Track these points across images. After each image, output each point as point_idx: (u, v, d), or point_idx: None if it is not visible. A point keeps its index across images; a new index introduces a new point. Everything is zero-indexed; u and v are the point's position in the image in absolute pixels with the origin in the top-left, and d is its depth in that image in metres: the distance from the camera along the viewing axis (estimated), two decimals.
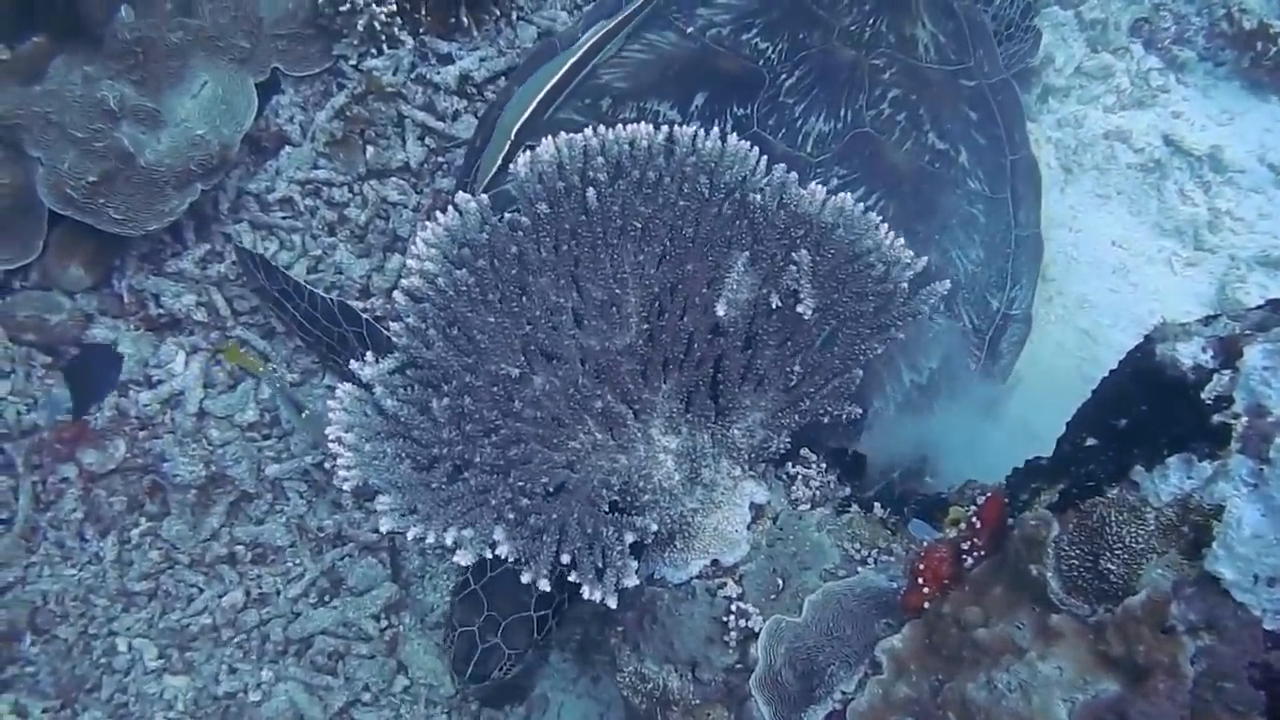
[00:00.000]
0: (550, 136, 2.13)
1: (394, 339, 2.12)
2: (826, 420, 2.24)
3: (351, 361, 2.09)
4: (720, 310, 2.16)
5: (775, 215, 2.15)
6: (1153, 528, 1.48)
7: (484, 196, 2.15)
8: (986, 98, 2.95)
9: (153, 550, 3.28)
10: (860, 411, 2.26)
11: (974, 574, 1.67)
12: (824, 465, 2.34)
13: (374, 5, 3.28)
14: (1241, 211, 3.57)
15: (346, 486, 2.01)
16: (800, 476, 2.31)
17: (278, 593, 3.30)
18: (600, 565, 1.98)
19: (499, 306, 2.11)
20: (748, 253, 2.17)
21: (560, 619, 2.52)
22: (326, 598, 3.28)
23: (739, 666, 2.04)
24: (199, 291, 3.37)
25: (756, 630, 2.01)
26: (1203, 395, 1.54)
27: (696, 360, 2.15)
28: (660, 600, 2.16)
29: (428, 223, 2.14)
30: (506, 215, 2.15)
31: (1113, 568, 1.46)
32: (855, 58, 2.80)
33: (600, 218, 2.14)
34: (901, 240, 2.17)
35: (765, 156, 2.17)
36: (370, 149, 3.42)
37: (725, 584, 2.13)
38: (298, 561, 3.31)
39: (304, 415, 3.02)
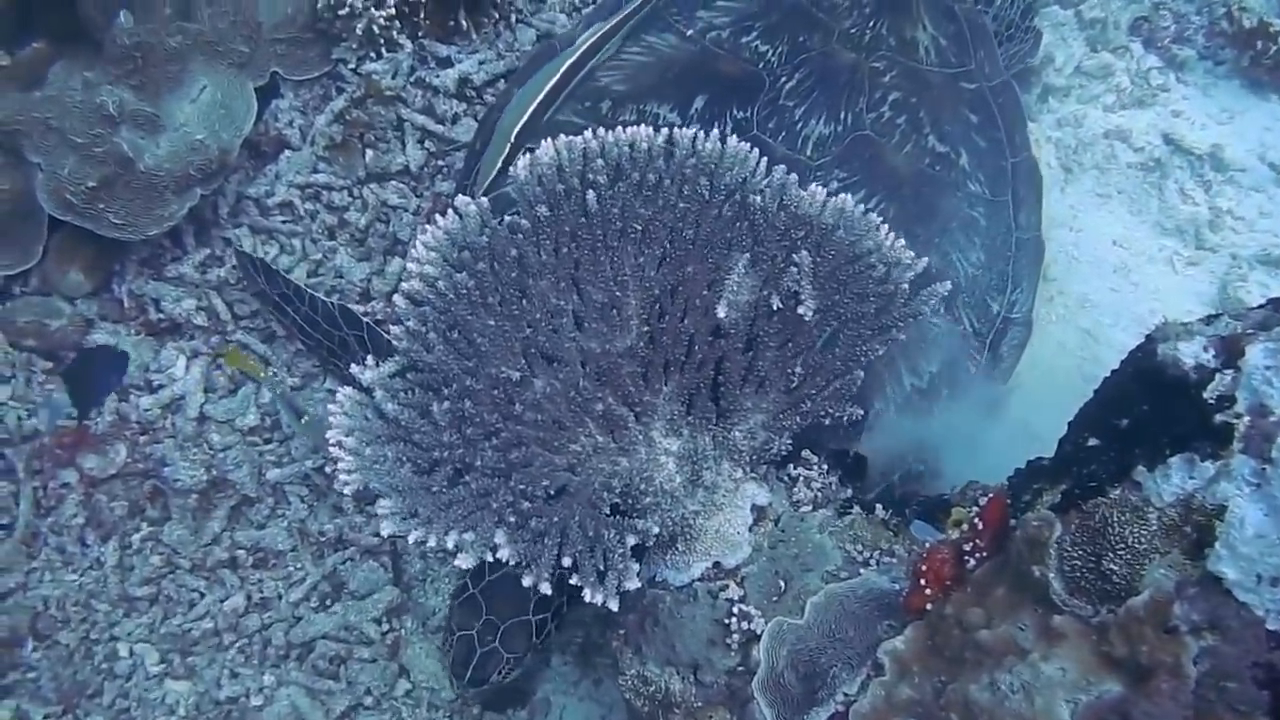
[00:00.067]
0: (550, 139, 2.13)
1: (394, 342, 2.11)
2: (828, 422, 2.24)
3: (352, 365, 2.09)
4: (721, 312, 2.15)
5: (776, 217, 2.15)
6: (1155, 528, 1.48)
7: (484, 199, 2.15)
8: (987, 100, 2.95)
9: (154, 555, 3.28)
10: (861, 413, 2.26)
11: (976, 575, 1.67)
12: (825, 467, 2.34)
13: (373, 9, 3.28)
14: (1242, 210, 3.57)
15: (347, 490, 2.00)
16: (802, 478, 2.30)
17: (279, 597, 3.29)
18: (602, 568, 1.97)
19: (499, 309, 2.11)
20: (748, 254, 2.17)
21: (559, 623, 2.52)
22: (328, 602, 3.28)
23: (741, 669, 2.04)
24: (199, 296, 3.37)
25: (759, 632, 2.01)
26: (1205, 395, 1.54)
27: (697, 362, 2.15)
28: (662, 603, 2.15)
29: (428, 226, 2.14)
30: (506, 218, 2.15)
31: (1115, 568, 1.46)
32: (855, 61, 2.80)
33: (600, 220, 2.13)
34: (902, 241, 2.16)
35: (765, 158, 2.17)
36: (370, 153, 3.42)
37: (727, 586, 2.13)
38: (299, 566, 3.30)
39: (303, 421, 3.02)
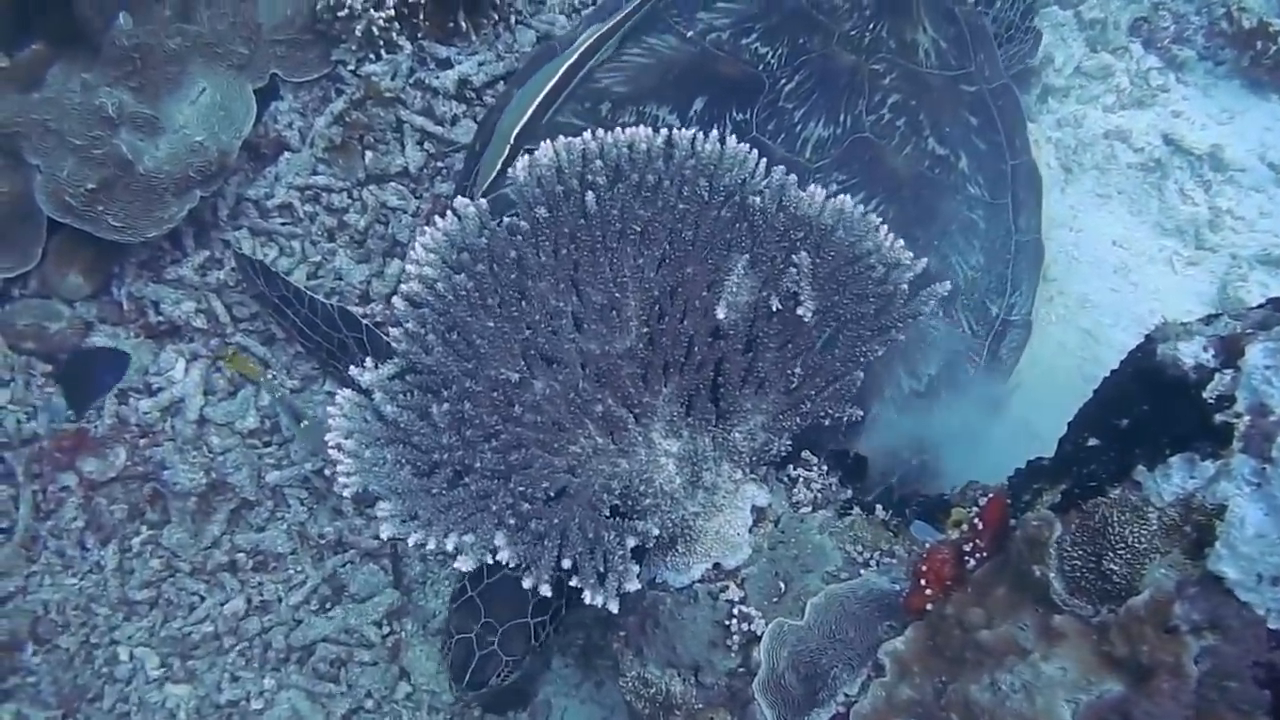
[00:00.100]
0: (549, 140, 2.13)
1: (394, 344, 2.11)
2: (828, 423, 2.24)
3: (351, 367, 2.09)
4: (720, 313, 2.15)
5: (775, 218, 2.15)
6: (1155, 528, 1.48)
7: (483, 201, 2.15)
8: (987, 103, 2.95)
9: (154, 558, 3.28)
10: (861, 414, 2.26)
11: (976, 575, 1.66)
12: (825, 468, 2.34)
13: (372, 10, 3.28)
14: (1242, 210, 3.57)
15: (347, 493, 2.00)
16: (802, 479, 2.30)
17: (279, 600, 3.29)
18: (602, 570, 1.97)
19: (498, 311, 2.11)
20: (747, 255, 2.17)
21: (558, 625, 2.51)
22: (328, 605, 3.27)
23: (741, 670, 2.04)
24: (198, 298, 3.37)
25: (759, 634, 2.00)
26: (1204, 394, 1.54)
27: (697, 363, 2.15)
28: (662, 604, 2.15)
29: (427, 228, 2.14)
30: (505, 219, 2.14)
31: (1115, 568, 1.46)
32: (855, 63, 2.80)
33: (599, 221, 2.13)
34: (901, 242, 2.16)
35: (764, 159, 2.17)
36: (369, 154, 3.42)
37: (727, 587, 2.13)
38: (299, 568, 3.30)
39: (303, 424, 3.02)
